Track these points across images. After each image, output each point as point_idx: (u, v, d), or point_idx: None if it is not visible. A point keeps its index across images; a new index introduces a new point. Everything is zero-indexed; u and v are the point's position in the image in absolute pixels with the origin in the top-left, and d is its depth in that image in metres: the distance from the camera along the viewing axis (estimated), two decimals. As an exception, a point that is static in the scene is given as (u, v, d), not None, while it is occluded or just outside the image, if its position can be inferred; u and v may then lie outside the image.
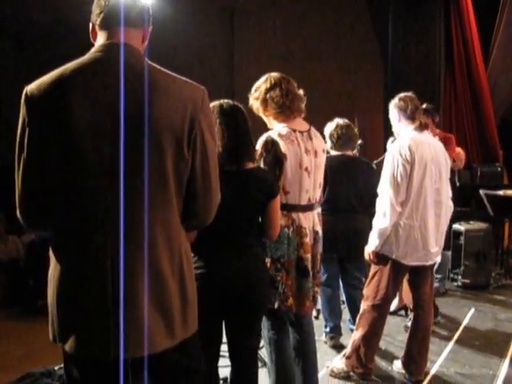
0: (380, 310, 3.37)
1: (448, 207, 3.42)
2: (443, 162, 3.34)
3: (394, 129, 3.50)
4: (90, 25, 1.72)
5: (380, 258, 3.29)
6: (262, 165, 2.67)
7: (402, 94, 3.42)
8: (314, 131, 2.92)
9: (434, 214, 3.28)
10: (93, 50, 1.67)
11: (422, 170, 3.20)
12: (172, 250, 1.67)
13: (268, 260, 2.70)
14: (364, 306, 3.42)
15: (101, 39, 1.68)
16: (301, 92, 2.88)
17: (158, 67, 1.69)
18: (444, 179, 3.34)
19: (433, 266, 3.47)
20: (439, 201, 3.30)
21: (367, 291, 3.42)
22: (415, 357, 3.49)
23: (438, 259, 3.44)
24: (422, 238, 3.24)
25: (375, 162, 4.44)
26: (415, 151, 3.18)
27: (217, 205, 1.79)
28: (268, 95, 2.80)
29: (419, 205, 3.21)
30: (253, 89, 2.90)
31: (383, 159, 3.37)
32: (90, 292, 1.60)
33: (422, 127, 3.34)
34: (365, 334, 3.38)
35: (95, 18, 1.69)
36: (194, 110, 1.66)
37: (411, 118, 3.33)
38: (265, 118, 2.93)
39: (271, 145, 2.70)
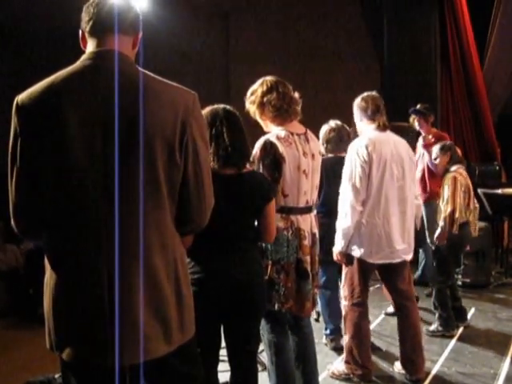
0: (360, 308, 3.40)
1: (413, 204, 3.43)
2: (407, 160, 3.35)
3: (357, 127, 3.51)
4: (80, 32, 1.72)
5: (347, 257, 3.32)
6: (260, 167, 2.67)
7: (364, 94, 3.43)
8: (310, 134, 2.93)
9: (399, 212, 3.29)
10: (83, 57, 1.67)
11: (381, 168, 3.21)
12: (167, 255, 1.67)
13: (268, 262, 2.70)
14: (345, 307, 3.45)
15: (91, 46, 1.68)
16: (296, 95, 2.88)
17: (149, 73, 1.69)
18: (407, 176, 3.34)
19: (403, 263, 3.43)
20: (403, 198, 3.31)
21: (344, 292, 3.45)
22: (410, 355, 3.48)
23: (409, 257, 3.42)
24: (386, 235, 3.25)
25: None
26: (373, 150, 3.20)
27: (210, 208, 1.78)
28: (265, 99, 2.79)
29: (380, 202, 3.23)
30: (248, 92, 2.89)
31: None
32: (86, 300, 1.60)
33: (381, 127, 3.34)
34: (353, 335, 3.40)
35: (85, 25, 1.69)
36: (185, 114, 1.66)
37: (371, 118, 3.35)
38: (261, 122, 2.92)
39: (270, 147, 2.69)
